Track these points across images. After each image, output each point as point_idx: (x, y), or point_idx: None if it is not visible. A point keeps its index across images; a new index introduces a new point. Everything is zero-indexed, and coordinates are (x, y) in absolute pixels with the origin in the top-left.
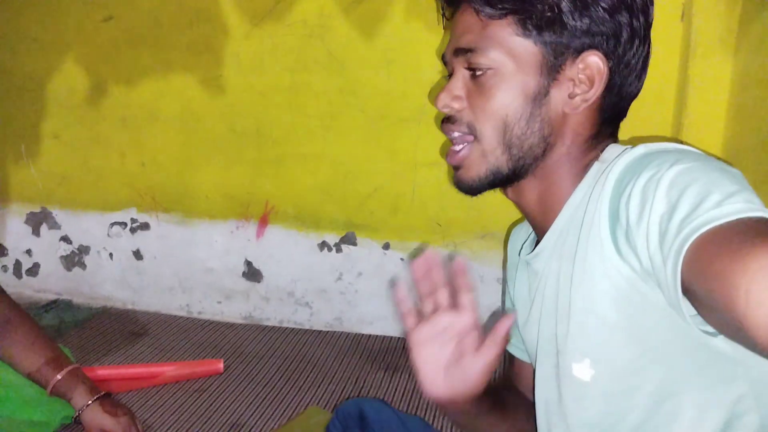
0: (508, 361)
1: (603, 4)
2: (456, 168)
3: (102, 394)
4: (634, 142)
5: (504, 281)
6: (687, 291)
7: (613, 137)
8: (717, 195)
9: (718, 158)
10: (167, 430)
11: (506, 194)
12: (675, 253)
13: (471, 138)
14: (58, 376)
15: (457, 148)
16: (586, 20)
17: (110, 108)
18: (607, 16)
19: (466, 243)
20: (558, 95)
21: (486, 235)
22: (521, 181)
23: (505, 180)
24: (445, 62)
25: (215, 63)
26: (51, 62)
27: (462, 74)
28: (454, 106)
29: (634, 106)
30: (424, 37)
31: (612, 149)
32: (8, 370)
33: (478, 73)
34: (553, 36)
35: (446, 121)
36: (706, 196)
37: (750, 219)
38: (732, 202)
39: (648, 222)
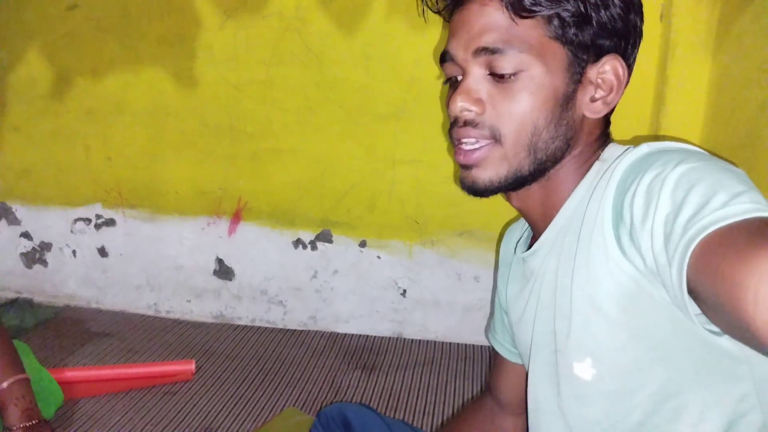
0: (492, 359)
1: (618, 3)
2: (467, 167)
3: (32, 423)
4: (634, 142)
5: (495, 281)
6: (692, 291)
7: (609, 134)
8: (723, 195)
9: (720, 156)
10: None
11: (509, 199)
12: (681, 254)
13: (491, 141)
14: (4, 385)
15: (472, 147)
16: (611, 23)
17: (75, 100)
18: (623, 14)
19: (444, 240)
20: (582, 98)
21: (464, 232)
22: (533, 184)
23: (522, 182)
24: (444, 61)
25: (187, 55)
26: (12, 51)
27: (480, 75)
28: (475, 110)
29: None
30: (404, 33)
31: (613, 148)
32: None
33: (504, 75)
34: (580, 37)
35: (461, 126)
36: (712, 197)
37: (757, 219)
38: (738, 203)
39: (653, 222)
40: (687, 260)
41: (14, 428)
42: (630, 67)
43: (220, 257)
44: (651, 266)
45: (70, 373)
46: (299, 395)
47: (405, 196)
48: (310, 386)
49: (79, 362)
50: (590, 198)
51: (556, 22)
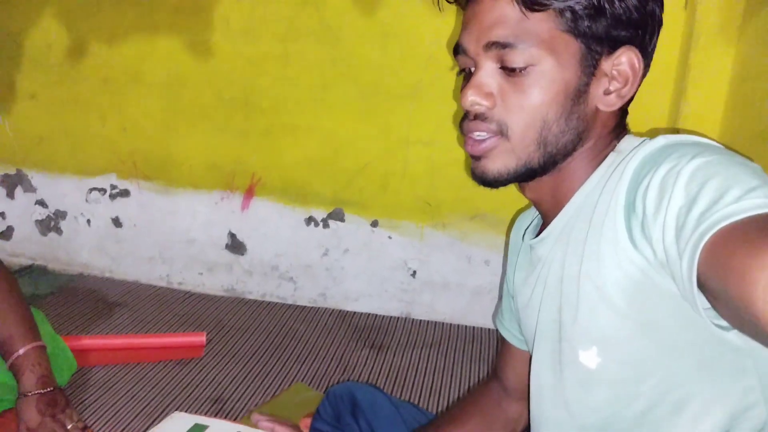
0: (499, 344)
1: None
2: (477, 158)
3: (46, 390)
4: (652, 134)
5: (504, 267)
6: (702, 285)
7: (626, 125)
8: (737, 190)
9: (735, 151)
10: (148, 404)
11: (522, 189)
12: (692, 247)
13: (499, 135)
14: (17, 354)
15: (480, 137)
16: (626, 14)
17: (91, 68)
18: (639, 4)
19: (455, 223)
20: (595, 91)
21: (476, 216)
22: (543, 176)
23: (532, 174)
24: (458, 53)
25: (204, 26)
26: (29, 17)
27: (491, 68)
28: (486, 104)
29: None
30: (423, 13)
31: (629, 140)
32: None
33: (515, 69)
34: (593, 29)
35: (472, 119)
36: (726, 191)
37: None
38: (752, 197)
39: (666, 214)
40: (698, 253)
41: (29, 394)
42: (648, 58)
43: (233, 232)
44: (661, 259)
45: (84, 341)
46: (307, 371)
47: (418, 178)
48: (318, 363)
49: (92, 331)
50: (603, 188)
51: (568, 14)
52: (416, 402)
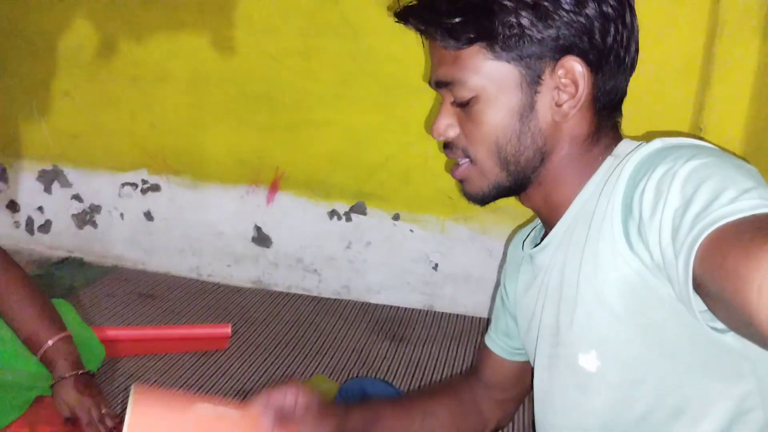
0: (481, 351)
1: (565, 6)
2: (461, 181)
3: (81, 372)
4: (651, 134)
5: (498, 284)
6: (698, 287)
7: (615, 124)
8: (732, 191)
9: (736, 155)
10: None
11: (519, 200)
12: (687, 249)
13: (468, 161)
14: (47, 345)
15: (458, 164)
16: (552, 29)
17: (120, 66)
18: (573, 17)
19: (476, 216)
20: (544, 106)
21: (496, 209)
22: (527, 189)
23: (509, 192)
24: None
25: (227, 24)
26: (62, 18)
27: (448, 102)
28: (450, 135)
29: (656, 83)
30: None
31: (626, 144)
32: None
33: (464, 103)
34: (524, 51)
35: (445, 147)
36: (721, 192)
37: (764, 215)
38: (747, 199)
39: (661, 216)
40: (694, 255)
41: (67, 376)
42: (611, 51)
43: (258, 225)
44: (657, 261)
45: (112, 332)
46: (329, 363)
47: (438, 171)
48: (339, 354)
49: (125, 321)
50: (601, 192)
51: (493, 45)
52: None
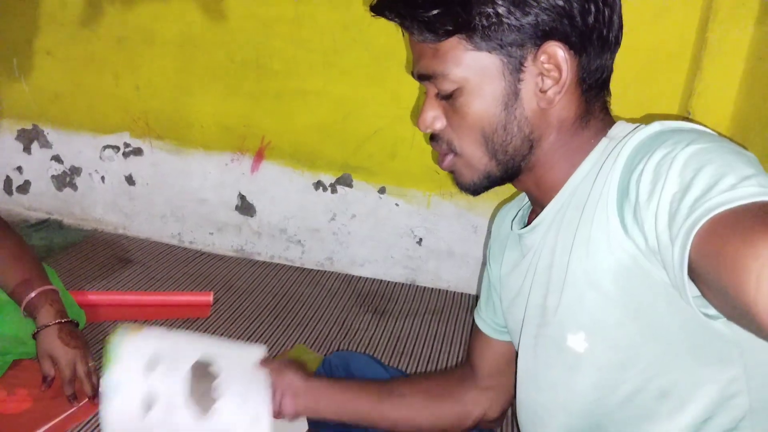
0: (472, 333)
1: None
2: (451, 172)
3: (65, 320)
4: (645, 118)
5: (484, 261)
6: (693, 273)
7: (605, 104)
8: (731, 178)
9: (730, 139)
10: None
11: (512, 184)
12: (684, 234)
13: (452, 153)
14: (32, 294)
15: (442, 156)
16: (530, 15)
17: (105, 27)
18: (550, 1)
19: (462, 193)
20: (529, 93)
21: None
22: (519, 176)
23: (501, 180)
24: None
25: None
26: None
27: (432, 94)
28: (437, 127)
29: (646, 66)
30: None
31: (621, 126)
32: None
33: (447, 95)
34: (504, 40)
35: (431, 139)
36: (720, 178)
37: (763, 203)
38: (746, 186)
39: (659, 200)
40: (691, 240)
41: (50, 324)
42: (593, 32)
43: (243, 193)
44: (652, 245)
45: (93, 297)
46: (310, 334)
47: (426, 146)
48: (321, 326)
49: (104, 286)
50: (597, 175)
51: (472, 36)
52: (414, 368)
